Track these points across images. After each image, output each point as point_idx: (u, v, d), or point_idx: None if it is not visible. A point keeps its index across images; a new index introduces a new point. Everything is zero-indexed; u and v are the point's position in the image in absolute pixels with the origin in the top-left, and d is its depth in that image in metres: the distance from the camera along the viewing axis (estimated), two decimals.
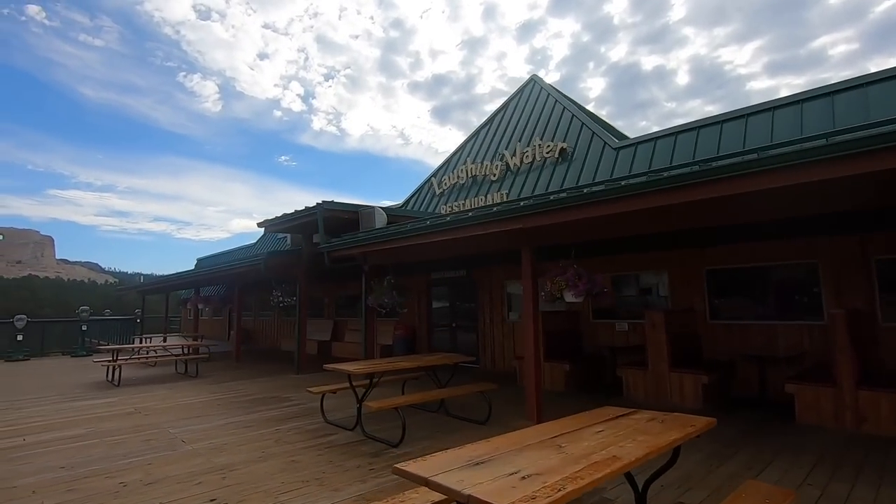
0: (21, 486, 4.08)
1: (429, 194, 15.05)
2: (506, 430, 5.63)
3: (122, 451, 5.00)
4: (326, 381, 9.14)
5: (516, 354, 9.78)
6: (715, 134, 9.09)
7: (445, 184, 14.36)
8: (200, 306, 15.47)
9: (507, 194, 12.13)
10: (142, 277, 30.50)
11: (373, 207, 8.61)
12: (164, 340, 16.15)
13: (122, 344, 18.26)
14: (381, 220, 8.50)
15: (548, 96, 13.66)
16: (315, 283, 16.36)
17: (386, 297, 8.17)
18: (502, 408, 6.28)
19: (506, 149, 13.20)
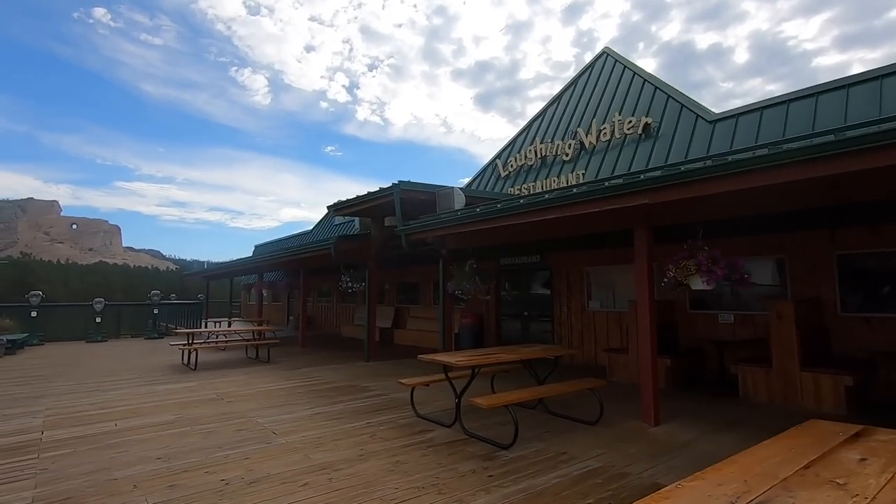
0: (121, 479, 3.84)
1: (492, 177, 14.38)
2: (620, 433, 5.06)
3: (216, 442, 4.74)
4: (402, 370, 8.85)
5: (609, 346, 9.05)
6: (840, 99, 7.92)
7: (511, 166, 13.64)
8: (264, 291, 15.56)
9: (584, 174, 11.29)
10: (206, 264, 31.55)
11: (451, 188, 8.06)
12: (229, 325, 16.44)
13: (190, 328, 18.86)
14: (459, 201, 7.95)
15: (624, 69, 12.62)
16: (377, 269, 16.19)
17: (467, 282, 7.65)
18: (604, 406, 5.64)
19: (578, 126, 12.31)
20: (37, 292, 15.06)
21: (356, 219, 11.88)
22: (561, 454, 4.29)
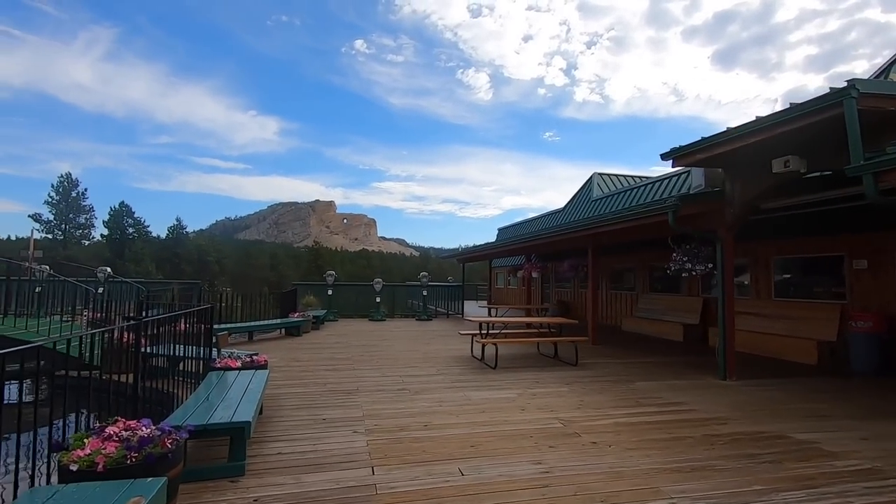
0: None
1: None
2: None
3: None
4: (805, 403, 5.43)
5: None
6: None
7: None
8: (535, 274, 13.68)
9: None
10: (460, 247, 32.59)
11: None
12: (494, 312, 15.19)
13: (450, 310, 18.64)
14: None
15: None
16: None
17: None
18: None
19: None
20: (331, 272, 16.43)
21: (645, 185, 8.60)
22: None
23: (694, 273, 7.43)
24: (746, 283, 10.84)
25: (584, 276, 11.45)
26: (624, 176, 21.88)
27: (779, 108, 6.62)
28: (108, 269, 14.41)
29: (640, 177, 21.62)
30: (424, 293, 16.69)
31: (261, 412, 4.90)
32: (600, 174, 21.32)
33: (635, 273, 14.98)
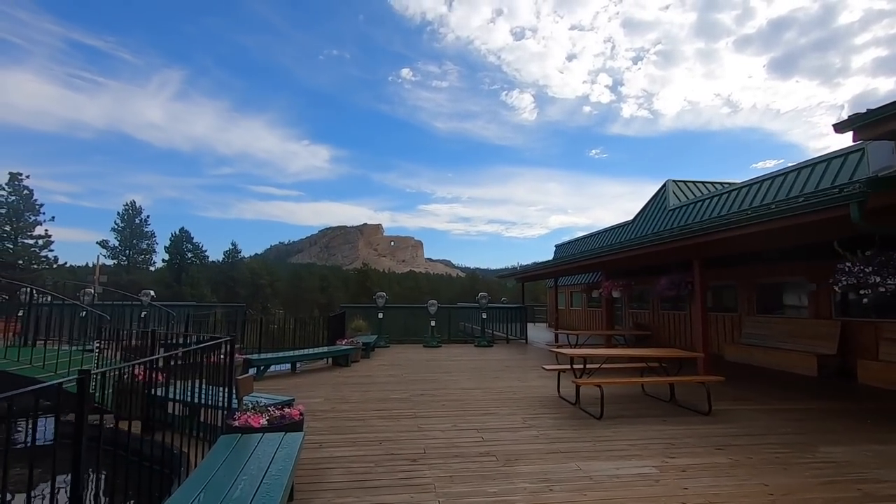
0: None
1: None
2: None
3: None
4: None
5: None
6: None
7: None
8: (615, 293, 11.65)
9: None
10: (517, 265, 30.74)
11: None
12: (569, 338, 13.19)
13: (510, 334, 16.73)
14: None
15: None
16: (787, 258, 10.29)
17: None
18: None
19: None
20: (382, 293, 15.03)
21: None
22: None
23: (882, 289, 5.32)
24: None
25: (686, 294, 9.38)
26: (703, 182, 19.56)
27: (846, 115, 5.04)
28: (152, 293, 13.68)
29: (721, 183, 19.23)
30: (484, 316, 14.91)
31: (290, 497, 3.35)
32: (675, 181, 19.10)
33: (736, 291, 12.60)
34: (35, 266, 32.38)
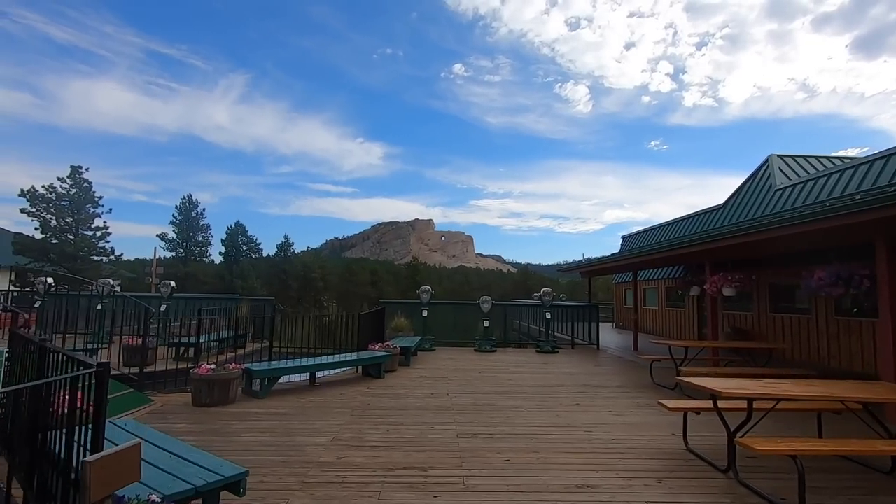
0: None
1: None
2: None
3: None
4: None
5: None
6: None
7: None
8: (727, 291, 8.81)
9: None
10: (584, 256, 27.81)
11: None
12: (649, 344, 10.44)
13: (576, 337, 14.08)
14: None
15: None
16: None
17: None
18: None
19: None
20: (427, 287, 12.87)
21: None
22: None
23: None
24: None
25: (861, 292, 6.52)
26: (816, 157, 16.04)
27: None
28: (172, 283, 12.26)
29: (840, 158, 15.67)
30: (548, 316, 12.38)
31: None
32: (781, 156, 15.72)
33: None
34: (95, 258, 32.88)
